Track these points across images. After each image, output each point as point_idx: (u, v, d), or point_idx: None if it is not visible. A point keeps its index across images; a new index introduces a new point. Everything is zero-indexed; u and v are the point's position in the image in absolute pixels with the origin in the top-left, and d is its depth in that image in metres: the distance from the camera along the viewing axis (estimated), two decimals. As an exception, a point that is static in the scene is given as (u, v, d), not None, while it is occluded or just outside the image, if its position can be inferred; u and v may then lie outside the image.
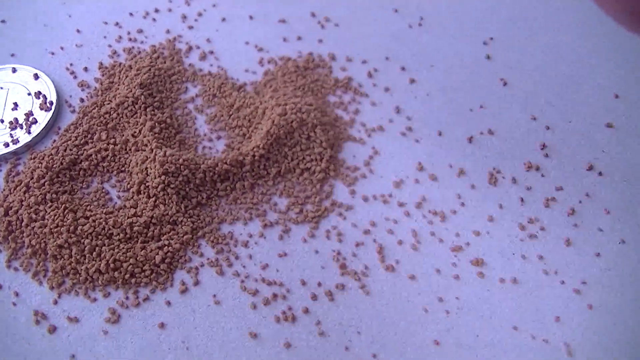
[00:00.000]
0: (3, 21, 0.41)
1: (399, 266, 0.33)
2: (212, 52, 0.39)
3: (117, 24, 0.40)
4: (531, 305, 0.32)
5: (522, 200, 0.35)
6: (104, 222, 0.32)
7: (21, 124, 0.35)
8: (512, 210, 0.35)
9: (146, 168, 0.33)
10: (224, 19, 0.41)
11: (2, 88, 0.37)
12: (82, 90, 0.37)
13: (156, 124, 0.35)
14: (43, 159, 0.34)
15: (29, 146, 0.35)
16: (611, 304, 0.32)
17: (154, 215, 0.32)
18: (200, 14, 0.41)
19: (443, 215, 0.34)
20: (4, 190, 0.34)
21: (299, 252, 0.33)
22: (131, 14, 0.41)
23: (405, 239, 0.33)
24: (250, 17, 0.41)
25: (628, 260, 0.33)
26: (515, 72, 0.39)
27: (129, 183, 0.34)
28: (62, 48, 0.39)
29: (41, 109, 0.36)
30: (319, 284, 0.32)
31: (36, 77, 0.37)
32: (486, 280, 0.32)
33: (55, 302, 0.31)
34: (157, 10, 0.41)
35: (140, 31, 0.40)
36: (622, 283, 0.32)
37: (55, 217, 0.32)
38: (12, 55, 0.39)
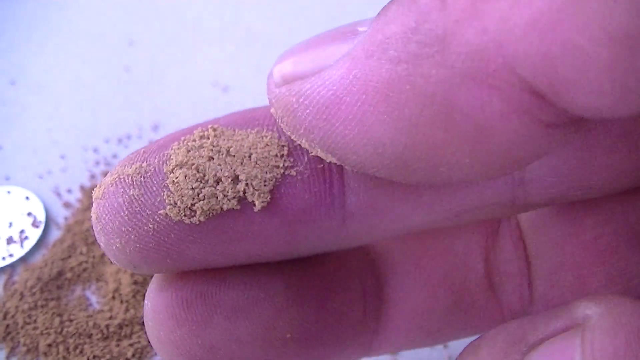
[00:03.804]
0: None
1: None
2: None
3: (95, 150, 0.51)
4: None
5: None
6: (85, 324, 0.42)
7: (15, 240, 0.46)
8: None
9: (119, 278, 0.44)
10: (185, 144, 0.52)
11: (-1, 209, 0.48)
12: (66, 209, 0.48)
13: (128, 240, 0.46)
14: (35, 270, 0.44)
15: (23, 259, 0.45)
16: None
17: (126, 317, 0.42)
18: (165, 141, 0.52)
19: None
20: (2, 298, 0.44)
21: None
22: (106, 141, 0.52)
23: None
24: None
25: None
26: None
27: (105, 290, 0.44)
28: (48, 172, 0.50)
29: (32, 226, 0.47)
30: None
31: (27, 198, 0.48)
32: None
33: (46, 391, 0.41)
34: (128, 137, 0.52)
35: (114, 156, 0.51)
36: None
37: (45, 320, 0.42)
38: (7, 178, 0.50)
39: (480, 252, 0.29)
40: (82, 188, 0.49)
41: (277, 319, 0.25)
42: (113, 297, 0.44)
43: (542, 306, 0.28)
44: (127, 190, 0.22)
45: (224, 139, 0.24)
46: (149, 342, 0.42)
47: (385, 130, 0.18)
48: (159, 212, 0.22)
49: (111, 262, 0.44)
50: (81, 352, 0.41)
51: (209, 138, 0.23)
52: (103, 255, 0.45)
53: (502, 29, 0.15)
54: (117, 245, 0.22)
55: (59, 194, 0.49)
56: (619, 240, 0.26)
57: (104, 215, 0.22)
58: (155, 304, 0.24)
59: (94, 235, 0.46)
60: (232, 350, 0.24)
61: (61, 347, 0.41)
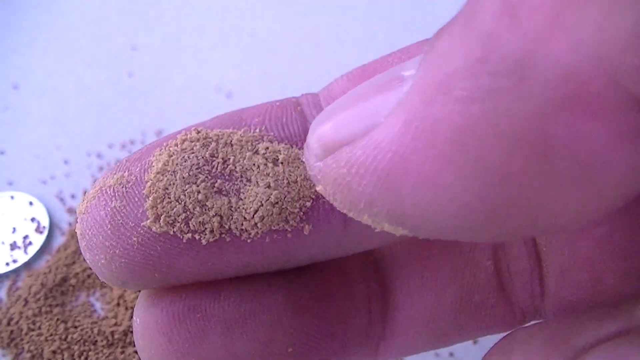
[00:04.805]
0: (2, 152, 0.52)
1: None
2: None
3: (98, 155, 0.51)
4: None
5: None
6: (90, 331, 0.42)
7: (19, 246, 0.46)
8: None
9: (124, 284, 0.44)
10: (189, 150, 0.52)
11: (2, 214, 0.48)
12: (70, 215, 0.48)
13: (133, 246, 0.46)
14: (38, 276, 0.44)
15: (26, 265, 0.46)
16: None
17: (131, 324, 0.43)
18: (169, 146, 0.52)
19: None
20: (5, 303, 0.44)
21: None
22: (110, 146, 0.52)
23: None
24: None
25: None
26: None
27: (110, 297, 0.44)
28: (52, 177, 0.50)
29: (36, 231, 0.47)
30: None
31: (31, 203, 0.48)
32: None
33: (50, 398, 0.41)
34: (132, 142, 0.52)
35: (118, 162, 0.51)
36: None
37: (50, 327, 0.42)
38: (10, 183, 0.50)
39: (489, 249, 0.27)
40: (86, 193, 0.49)
41: (276, 332, 0.24)
42: (118, 304, 0.44)
43: (555, 303, 0.27)
44: (109, 203, 0.21)
45: (208, 142, 0.22)
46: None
47: (469, 188, 0.15)
48: (142, 224, 0.21)
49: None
50: (86, 359, 0.41)
51: (192, 141, 0.22)
52: (107, 261, 0.45)
53: (600, 40, 0.13)
54: (103, 262, 0.21)
55: (62, 200, 0.49)
56: (634, 235, 0.25)
57: (88, 231, 0.21)
58: (145, 321, 0.23)
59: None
60: None
61: (66, 354, 0.41)
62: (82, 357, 0.41)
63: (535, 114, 0.14)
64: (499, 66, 0.14)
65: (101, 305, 0.44)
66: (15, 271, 0.45)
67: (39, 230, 0.47)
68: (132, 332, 0.41)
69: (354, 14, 0.61)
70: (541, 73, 0.13)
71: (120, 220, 0.21)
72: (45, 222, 0.47)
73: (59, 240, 0.47)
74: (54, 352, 0.41)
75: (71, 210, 0.48)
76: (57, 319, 0.43)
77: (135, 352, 0.42)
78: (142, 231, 0.21)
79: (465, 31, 0.14)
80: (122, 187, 0.21)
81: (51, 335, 0.42)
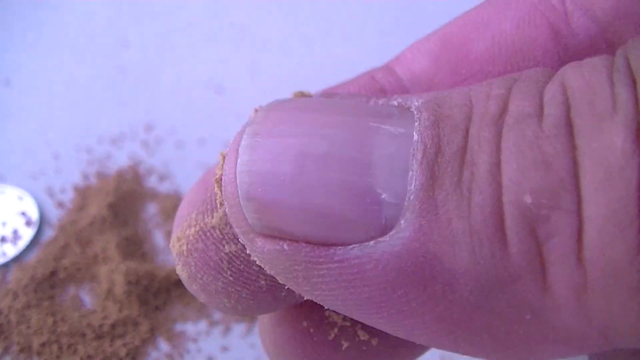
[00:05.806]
0: (-9, 147, 0.52)
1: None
2: (167, 176, 0.51)
3: (88, 150, 0.52)
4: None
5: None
6: (78, 324, 0.43)
7: (9, 240, 0.47)
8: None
9: (113, 278, 0.44)
10: (178, 144, 0.53)
11: (-9, 208, 0.48)
12: (60, 209, 0.49)
13: (121, 240, 0.46)
14: (28, 270, 0.45)
15: (16, 259, 0.46)
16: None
17: (120, 317, 0.43)
18: (157, 142, 0.53)
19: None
20: (-5, 297, 0.44)
21: (237, 345, 0.44)
22: (99, 141, 0.52)
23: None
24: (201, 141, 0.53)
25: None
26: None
27: (99, 291, 0.45)
28: (42, 172, 0.51)
29: (26, 225, 0.47)
30: (253, 373, 0.43)
31: (20, 198, 0.49)
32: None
33: (39, 391, 0.42)
34: (122, 138, 0.53)
35: (107, 156, 0.52)
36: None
37: (39, 320, 0.43)
38: (1, 178, 0.50)
39: None
40: (76, 188, 0.50)
41: None
42: (106, 298, 0.44)
43: None
44: (221, 247, 0.19)
45: None
46: (142, 341, 0.42)
47: None
48: None
49: (105, 262, 0.45)
50: (74, 351, 0.42)
51: None
52: (96, 255, 0.46)
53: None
54: (227, 304, 0.20)
55: (52, 194, 0.49)
56: None
57: (202, 276, 0.20)
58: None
59: (87, 236, 0.47)
60: None
61: (54, 347, 0.42)
62: (71, 350, 0.42)
63: None
64: None
65: (90, 298, 0.45)
66: (5, 265, 0.46)
67: (28, 224, 0.47)
68: (120, 325, 0.42)
69: (344, 8, 0.61)
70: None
71: (241, 266, 0.19)
72: (34, 216, 0.48)
73: (49, 234, 0.47)
74: (42, 344, 0.42)
75: (61, 205, 0.49)
76: (46, 312, 0.43)
77: (124, 345, 0.42)
78: (269, 275, 0.19)
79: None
80: (231, 227, 0.19)
81: (40, 328, 0.42)
